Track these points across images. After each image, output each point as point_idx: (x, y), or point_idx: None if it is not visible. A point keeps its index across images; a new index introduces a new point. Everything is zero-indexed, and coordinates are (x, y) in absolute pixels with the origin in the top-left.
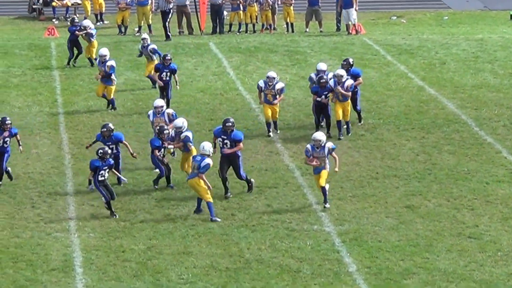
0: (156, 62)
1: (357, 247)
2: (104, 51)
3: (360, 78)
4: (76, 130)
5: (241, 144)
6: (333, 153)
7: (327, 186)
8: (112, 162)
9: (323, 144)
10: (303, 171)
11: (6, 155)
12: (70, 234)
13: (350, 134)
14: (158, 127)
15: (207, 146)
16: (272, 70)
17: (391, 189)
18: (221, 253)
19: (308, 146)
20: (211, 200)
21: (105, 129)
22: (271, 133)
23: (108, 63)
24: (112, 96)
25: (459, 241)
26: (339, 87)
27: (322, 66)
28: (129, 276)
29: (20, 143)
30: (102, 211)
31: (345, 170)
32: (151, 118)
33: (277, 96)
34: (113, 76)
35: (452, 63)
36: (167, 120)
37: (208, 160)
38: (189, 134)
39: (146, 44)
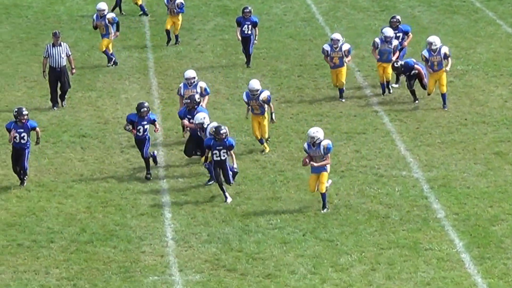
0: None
1: (445, 193)
2: (103, 5)
3: (410, 33)
4: (165, 75)
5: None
6: (328, 155)
7: (329, 182)
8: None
9: (318, 142)
10: (392, 117)
11: (26, 151)
12: (159, 179)
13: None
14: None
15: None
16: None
17: (480, 135)
18: (309, 199)
19: (305, 144)
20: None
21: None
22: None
23: (108, 16)
24: (104, 49)
25: None
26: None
27: (389, 31)
28: (218, 221)
29: (39, 140)
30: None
31: (434, 116)
32: (182, 91)
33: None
34: (111, 29)
35: None
36: (198, 93)
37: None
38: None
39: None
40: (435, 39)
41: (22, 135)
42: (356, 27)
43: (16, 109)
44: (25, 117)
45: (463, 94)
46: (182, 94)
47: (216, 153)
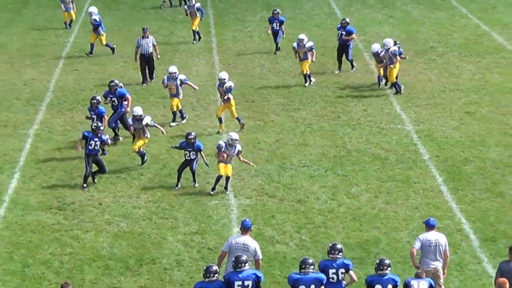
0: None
1: (429, 141)
2: (93, 9)
3: (353, 35)
4: (224, 53)
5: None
6: (240, 155)
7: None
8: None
9: (235, 145)
10: (390, 85)
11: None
12: (219, 131)
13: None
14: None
15: None
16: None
17: (455, 99)
18: (330, 144)
19: (221, 142)
20: None
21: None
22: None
23: (93, 17)
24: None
25: (505, 138)
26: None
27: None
28: (263, 160)
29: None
30: (244, 113)
31: (422, 86)
32: (165, 82)
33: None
34: (100, 29)
35: (501, 7)
36: (178, 84)
37: None
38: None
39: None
40: (389, 40)
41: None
42: (364, 19)
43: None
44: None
45: (443, 69)
46: (165, 84)
47: (186, 154)
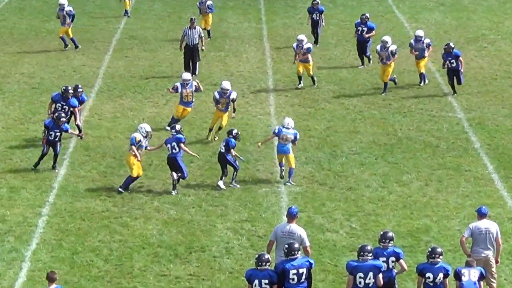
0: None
1: (480, 129)
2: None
3: (373, 31)
4: (275, 40)
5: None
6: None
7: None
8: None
9: (228, 94)
10: (442, 73)
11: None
12: (270, 116)
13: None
14: None
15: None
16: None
17: (506, 87)
18: (380, 132)
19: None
20: None
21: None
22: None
23: (66, 9)
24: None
25: None
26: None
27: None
28: (313, 148)
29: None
30: (294, 100)
31: (473, 73)
32: (179, 89)
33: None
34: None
35: None
36: (192, 90)
37: None
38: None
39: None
40: (387, 38)
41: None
42: (415, 6)
43: None
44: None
45: (494, 56)
46: (179, 91)
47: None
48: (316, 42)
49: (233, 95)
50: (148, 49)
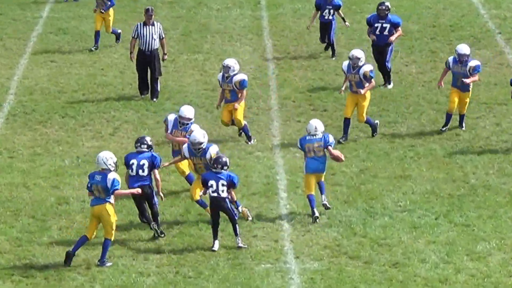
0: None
1: None
2: None
3: (400, 29)
4: (281, 36)
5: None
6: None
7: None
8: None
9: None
10: None
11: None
12: (273, 153)
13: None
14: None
15: None
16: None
17: None
18: (443, 177)
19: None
20: None
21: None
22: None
23: None
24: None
25: None
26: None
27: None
28: (340, 201)
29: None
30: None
31: None
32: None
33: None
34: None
35: None
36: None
37: None
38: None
39: None
40: (358, 53)
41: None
42: None
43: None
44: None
45: None
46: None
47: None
48: (332, 54)
49: (211, 150)
50: (85, 49)
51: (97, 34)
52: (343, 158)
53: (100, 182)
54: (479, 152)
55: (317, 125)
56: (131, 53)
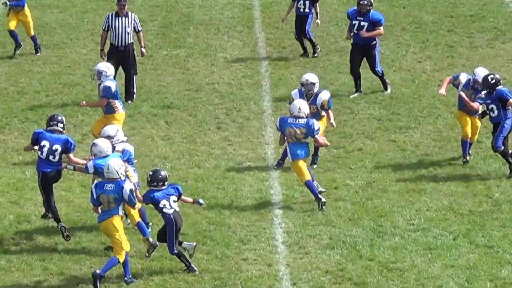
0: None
1: None
2: None
3: (381, 28)
4: (275, 28)
5: None
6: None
7: None
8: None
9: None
10: None
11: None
12: (267, 164)
13: None
14: None
15: None
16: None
17: None
18: (462, 191)
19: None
20: None
21: None
22: None
23: None
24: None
25: None
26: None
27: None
28: (343, 220)
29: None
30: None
31: None
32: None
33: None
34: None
35: None
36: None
37: None
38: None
39: None
40: (311, 78)
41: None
42: None
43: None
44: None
45: None
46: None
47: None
48: (314, 51)
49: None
50: (50, 43)
51: (12, 34)
52: (328, 144)
53: (113, 191)
54: (503, 161)
55: (301, 105)
56: (101, 50)
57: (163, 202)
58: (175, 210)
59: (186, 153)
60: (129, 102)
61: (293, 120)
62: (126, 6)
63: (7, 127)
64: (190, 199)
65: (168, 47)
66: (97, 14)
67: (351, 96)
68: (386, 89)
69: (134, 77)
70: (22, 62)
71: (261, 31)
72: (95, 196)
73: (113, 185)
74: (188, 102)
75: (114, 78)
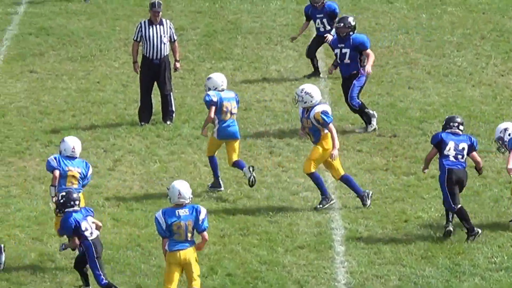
0: None
1: None
2: None
3: (369, 52)
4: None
5: None
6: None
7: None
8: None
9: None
10: None
11: None
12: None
13: None
14: None
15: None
16: None
17: None
18: None
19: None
20: None
21: None
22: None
23: None
24: None
25: None
26: None
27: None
28: (415, 258)
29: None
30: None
31: None
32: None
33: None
34: None
35: None
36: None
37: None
38: None
39: None
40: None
41: None
42: None
43: None
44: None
45: None
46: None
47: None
48: (316, 72)
49: (319, 108)
50: (77, 56)
51: None
52: None
53: (190, 217)
54: None
55: (220, 76)
56: (134, 62)
57: (85, 225)
58: (97, 235)
59: (234, 182)
60: (168, 123)
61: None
62: (161, 12)
63: (28, 152)
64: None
65: (212, 59)
66: (131, 21)
67: (356, 130)
68: (369, 122)
69: (171, 94)
70: (45, 77)
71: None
72: (163, 226)
73: (188, 209)
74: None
75: (150, 95)
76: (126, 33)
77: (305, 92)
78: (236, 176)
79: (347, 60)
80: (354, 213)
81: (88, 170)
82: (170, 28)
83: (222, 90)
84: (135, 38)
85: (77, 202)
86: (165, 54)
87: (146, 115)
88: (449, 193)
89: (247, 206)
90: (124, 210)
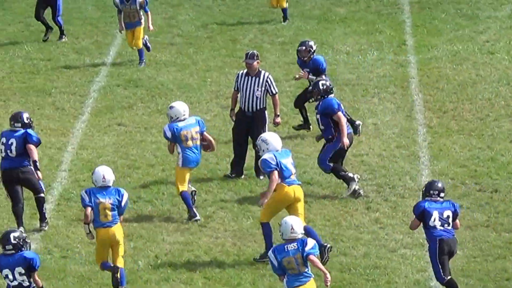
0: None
1: None
2: None
3: (339, 115)
4: (435, 88)
5: None
6: None
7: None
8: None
9: None
10: None
11: None
12: (425, 250)
13: None
14: None
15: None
16: None
17: None
18: None
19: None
20: None
21: None
22: None
23: None
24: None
25: None
26: None
27: None
28: None
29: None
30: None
31: None
32: None
33: None
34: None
35: None
36: None
37: None
38: None
39: None
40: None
41: None
42: None
43: None
44: None
45: None
46: None
47: None
48: (305, 126)
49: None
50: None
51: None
52: None
53: (297, 250)
54: None
55: (182, 106)
56: (231, 109)
57: (5, 272)
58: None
59: (330, 238)
60: (261, 177)
61: (179, 124)
62: (255, 63)
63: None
64: (39, 282)
65: (308, 112)
66: (222, 73)
67: (344, 195)
68: (347, 185)
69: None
70: (133, 130)
71: (418, 92)
72: (275, 264)
73: (292, 244)
74: (332, 178)
75: (242, 147)
76: (218, 85)
77: (261, 140)
78: (332, 232)
79: (321, 126)
80: (454, 270)
81: (122, 198)
82: (267, 81)
83: (184, 119)
84: (234, 88)
85: (25, 244)
86: (260, 107)
87: (237, 167)
88: (440, 264)
89: (343, 263)
90: (216, 268)
